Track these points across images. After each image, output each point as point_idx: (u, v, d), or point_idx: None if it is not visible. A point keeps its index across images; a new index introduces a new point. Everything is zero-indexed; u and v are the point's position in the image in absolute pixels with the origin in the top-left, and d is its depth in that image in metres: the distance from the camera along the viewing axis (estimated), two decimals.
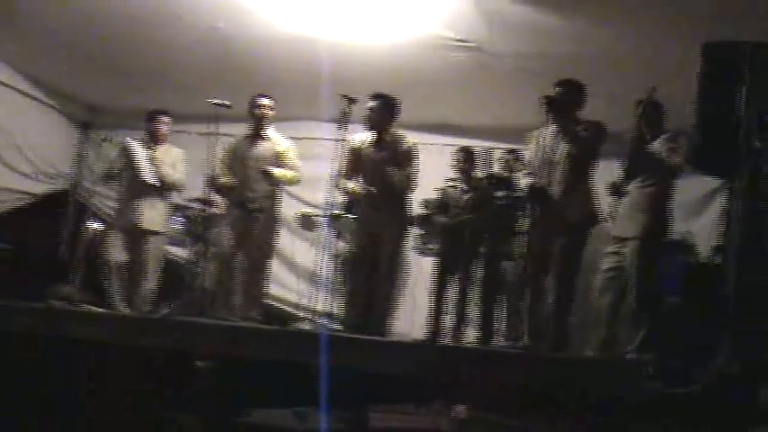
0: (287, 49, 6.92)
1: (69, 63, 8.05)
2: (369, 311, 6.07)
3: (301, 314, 7.44)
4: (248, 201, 6.56)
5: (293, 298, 8.04)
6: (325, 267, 6.41)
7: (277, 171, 6.57)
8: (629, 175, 5.59)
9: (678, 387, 3.81)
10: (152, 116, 7.13)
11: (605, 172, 6.44)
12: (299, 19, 6.45)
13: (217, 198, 6.87)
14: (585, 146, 5.42)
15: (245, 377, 4.84)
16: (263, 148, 6.68)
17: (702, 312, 4.91)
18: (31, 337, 5.18)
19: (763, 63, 3.73)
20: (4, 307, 5.40)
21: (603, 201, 5.70)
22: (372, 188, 6.08)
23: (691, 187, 6.93)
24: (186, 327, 5.36)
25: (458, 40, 6.49)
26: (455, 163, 6.53)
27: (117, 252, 6.90)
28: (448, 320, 6.40)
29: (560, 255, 5.41)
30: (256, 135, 6.72)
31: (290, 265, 8.30)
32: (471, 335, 6.65)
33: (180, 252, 7.87)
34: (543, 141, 5.44)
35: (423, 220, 6.97)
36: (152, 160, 6.96)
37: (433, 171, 6.63)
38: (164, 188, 7.05)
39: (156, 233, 6.99)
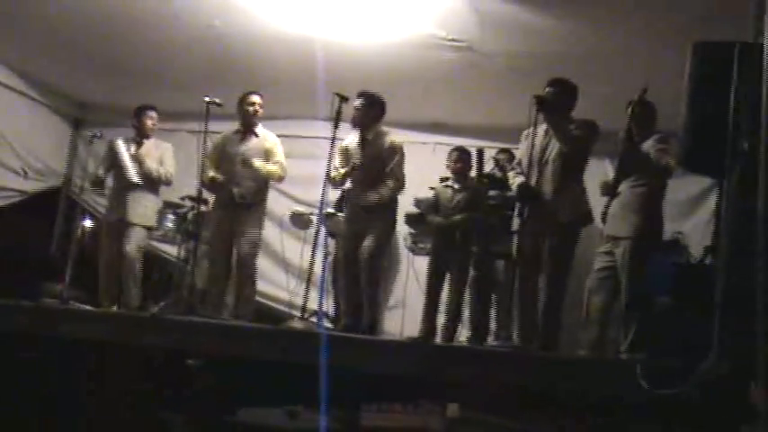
0: (282, 48, 6.92)
1: (62, 61, 8.04)
2: (359, 310, 6.08)
3: (294, 313, 7.44)
4: (236, 196, 6.55)
5: (285, 296, 8.03)
6: (318, 266, 6.42)
7: (257, 162, 6.56)
8: (621, 174, 5.60)
9: (668, 388, 3.82)
10: (139, 111, 7.16)
11: (598, 171, 6.47)
12: (295, 18, 6.45)
13: (207, 195, 6.86)
14: (577, 145, 5.42)
15: (235, 376, 4.83)
16: (251, 143, 6.68)
17: (693, 312, 4.91)
18: (25, 336, 5.17)
19: (752, 63, 3.73)
20: None
21: (596, 200, 5.71)
22: (359, 163, 6.08)
23: (682, 187, 6.94)
24: (178, 325, 5.35)
25: (450, 40, 6.50)
26: (449, 162, 6.53)
27: (107, 248, 6.92)
28: (441, 319, 6.40)
29: (551, 254, 5.41)
30: (246, 131, 6.72)
31: (283, 264, 8.29)
32: (464, 334, 6.67)
33: (171, 250, 7.87)
34: (534, 141, 5.44)
35: (415, 219, 6.97)
36: (137, 157, 6.97)
37: (426, 170, 6.64)
38: (150, 182, 7.05)
39: (141, 227, 6.99)
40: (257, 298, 7.13)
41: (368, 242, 6.06)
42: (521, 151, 5.74)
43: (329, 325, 6.54)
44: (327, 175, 5.99)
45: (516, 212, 5.55)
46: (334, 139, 5.98)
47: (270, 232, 8.14)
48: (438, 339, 6.25)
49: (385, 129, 6.30)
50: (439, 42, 6.56)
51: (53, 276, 7.44)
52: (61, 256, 8.33)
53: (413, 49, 6.68)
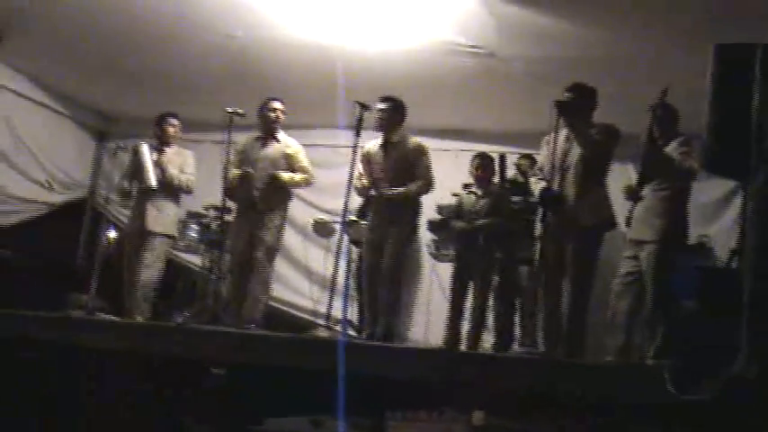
0: (302, 57, 6.94)
1: (85, 73, 8.12)
2: (378, 316, 6.07)
3: (318, 321, 7.45)
4: (259, 201, 6.57)
5: (309, 305, 8.05)
6: (341, 274, 6.42)
7: (285, 175, 6.57)
8: (645, 178, 5.56)
9: (695, 392, 3.78)
10: (161, 119, 7.18)
11: (621, 175, 6.43)
12: (315, 27, 6.48)
13: (231, 204, 6.88)
14: (598, 149, 5.39)
15: (260, 385, 4.84)
16: (272, 149, 6.67)
17: (720, 316, 4.87)
18: (51, 346, 5.20)
19: None
20: (23, 317, 5.43)
21: (620, 205, 5.67)
22: (384, 189, 6.09)
23: (707, 190, 6.90)
24: (202, 335, 5.37)
25: (470, 46, 6.50)
26: (472, 169, 6.52)
27: (129, 258, 6.95)
28: (465, 326, 6.39)
29: (574, 259, 5.37)
30: (267, 137, 6.73)
31: (306, 272, 8.30)
32: (489, 341, 6.64)
33: (195, 260, 7.90)
34: (555, 146, 5.41)
35: (437, 226, 6.95)
36: (159, 164, 6.99)
37: (447, 176, 6.62)
38: (171, 190, 7.06)
39: (162, 235, 7.01)
40: (281, 306, 7.14)
41: (388, 249, 6.06)
42: (542, 157, 5.71)
43: (353, 333, 6.53)
44: (350, 182, 5.99)
45: (539, 218, 5.52)
46: (355, 147, 5.98)
47: (293, 240, 8.18)
48: (462, 346, 6.23)
49: (407, 134, 6.32)
50: (459, 49, 6.56)
51: (79, 287, 7.49)
52: (87, 266, 8.39)
53: (433, 56, 6.68)
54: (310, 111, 7.63)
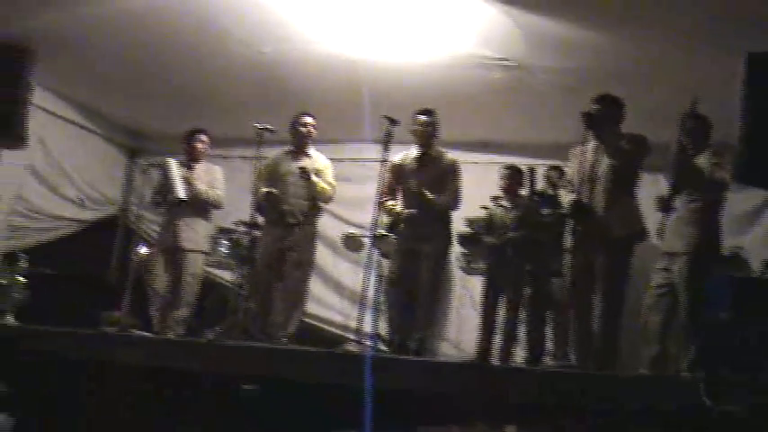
0: (330, 72, 6.98)
1: (117, 91, 8.20)
2: (413, 331, 6.05)
3: (348, 336, 7.44)
4: (288, 215, 6.58)
5: (339, 319, 8.05)
6: (371, 288, 6.41)
7: (314, 177, 6.61)
8: (676, 190, 5.51)
9: (730, 404, 3.74)
10: (190, 135, 7.23)
11: (652, 186, 6.38)
12: (342, 41, 6.51)
13: (261, 219, 6.91)
14: (627, 159, 5.35)
15: (290, 400, 4.84)
16: (303, 164, 6.70)
17: (755, 328, 4.81)
18: (86, 363, 5.23)
19: None
20: (56, 333, 5.47)
21: (652, 216, 5.63)
22: (414, 210, 6.08)
23: (740, 201, 6.83)
24: (233, 351, 5.38)
25: (497, 59, 6.50)
26: (501, 181, 6.50)
27: (161, 275, 6.99)
28: (497, 340, 6.35)
29: (605, 271, 5.33)
30: (298, 151, 6.76)
31: (336, 287, 8.32)
32: (521, 355, 6.60)
33: (226, 275, 7.93)
34: (584, 157, 5.38)
35: (467, 239, 6.93)
36: (187, 179, 7.03)
37: (476, 189, 6.61)
38: (201, 206, 7.09)
39: (195, 252, 7.04)
40: (311, 321, 7.15)
41: (427, 263, 6.05)
42: (571, 169, 5.69)
43: (384, 347, 6.52)
44: (379, 197, 5.99)
45: (570, 230, 5.49)
46: (384, 162, 5.98)
47: (323, 255, 8.19)
48: (494, 360, 6.19)
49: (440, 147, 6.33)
50: (485, 61, 6.56)
51: (111, 304, 7.54)
52: (119, 283, 8.45)
53: (460, 68, 6.69)
54: (338, 125, 7.65)
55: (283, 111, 6.83)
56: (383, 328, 6.96)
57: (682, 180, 5.45)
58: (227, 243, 7.52)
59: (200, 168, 7.18)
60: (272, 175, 6.74)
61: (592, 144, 5.42)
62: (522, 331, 6.48)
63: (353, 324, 6.39)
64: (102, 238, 9.29)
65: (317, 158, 6.79)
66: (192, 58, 7.06)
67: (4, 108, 6.72)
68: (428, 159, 6.25)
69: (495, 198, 6.68)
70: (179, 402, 4.99)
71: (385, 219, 6.67)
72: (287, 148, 6.84)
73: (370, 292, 6.41)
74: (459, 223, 6.97)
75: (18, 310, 6.28)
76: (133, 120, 9.29)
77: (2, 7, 6.32)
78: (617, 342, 5.32)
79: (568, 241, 5.50)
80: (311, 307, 7.26)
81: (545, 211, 6.47)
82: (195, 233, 7.06)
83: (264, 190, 6.59)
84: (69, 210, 8.78)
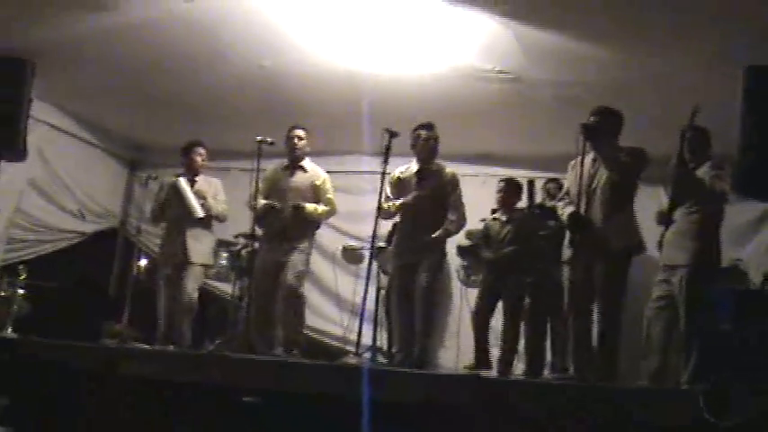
0: (330, 85, 6.99)
1: (116, 104, 8.21)
2: (412, 343, 6.05)
3: (348, 348, 7.44)
4: (285, 231, 6.60)
5: (338, 332, 8.05)
6: (369, 300, 6.42)
7: (309, 206, 6.60)
8: (676, 202, 5.52)
9: (730, 417, 3.74)
10: (188, 148, 7.24)
11: (651, 198, 6.40)
12: (342, 54, 6.52)
13: (259, 232, 6.92)
14: (625, 171, 5.36)
15: (290, 412, 4.83)
16: (300, 179, 6.73)
17: (754, 341, 4.81)
18: (87, 375, 5.23)
19: None
20: (57, 346, 5.47)
21: (652, 228, 5.64)
22: (416, 194, 6.08)
23: (739, 212, 6.82)
24: (233, 363, 5.38)
25: (496, 71, 6.52)
26: (497, 195, 6.52)
27: (166, 288, 6.99)
28: (495, 352, 6.35)
29: (603, 283, 5.33)
30: (293, 166, 6.78)
31: (335, 299, 8.31)
32: (520, 367, 6.60)
33: (225, 287, 7.93)
34: (582, 169, 5.40)
35: (466, 252, 6.94)
36: (197, 194, 7.05)
37: (475, 202, 6.61)
38: (208, 219, 7.11)
39: (200, 265, 7.06)
40: (311, 334, 7.15)
41: (422, 275, 6.06)
42: (568, 181, 5.70)
43: (383, 359, 6.52)
44: (378, 209, 6.00)
45: (567, 242, 5.50)
46: (384, 174, 5.99)
47: (322, 267, 8.21)
48: (494, 372, 6.20)
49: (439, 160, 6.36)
50: (485, 74, 6.58)
51: (111, 316, 7.55)
52: (119, 295, 8.46)
53: (459, 81, 6.71)
54: (337, 137, 7.68)
55: (283, 123, 6.85)
56: (382, 341, 6.98)
57: (681, 192, 5.46)
58: (227, 255, 7.53)
59: (201, 181, 7.19)
60: (270, 188, 6.75)
61: (590, 156, 5.43)
62: (521, 343, 6.49)
63: (353, 336, 6.38)
64: (102, 251, 9.29)
65: (314, 173, 6.79)
66: (191, 70, 7.08)
67: (3, 121, 6.75)
68: (428, 173, 6.26)
69: (494, 211, 6.70)
70: (179, 414, 4.99)
71: (384, 230, 6.68)
72: (284, 162, 6.85)
73: (369, 305, 6.42)
74: (459, 234, 6.97)
75: (18, 322, 6.29)
76: (133, 132, 9.31)
77: (2, 21, 6.34)
78: (616, 354, 5.32)
79: (567, 253, 5.51)
80: (311, 319, 7.25)
81: (545, 223, 6.49)
82: (202, 246, 7.09)
83: (263, 202, 6.60)
84: (69, 222, 8.79)
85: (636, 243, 5.42)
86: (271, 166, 6.88)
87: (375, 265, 6.69)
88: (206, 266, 7.17)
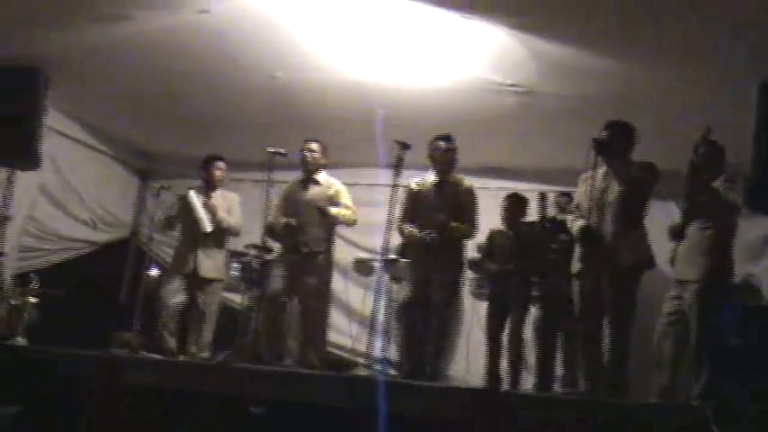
0: (342, 96, 7.02)
1: (129, 114, 8.27)
2: (424, 356, 6.04)
3: (358, 360, 7.43)
4: (302, 245, 6.59)
5: (349, 343, 8.04)
6: (381, 312, 6.41)
7: (333, 209, 6.61)
8: (689, 217, 5.50)
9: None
10: (207, 162, 7.27)
11: (663, 213, 6.38)
12: (354, 66, 6.55)
13: (273, 244, 6.92)
14: (636, 186, 5.35)
15: (298, 424, 4.83)
16: (315, 192, 6.74)
17: (765, 356, 4.79)
18: (97, 384, 5.24)
19: None
20: (67, 354, 5.48)
21: (663, 243, 5.61)
22: (433, 233, 6.07)
23: (752, 228, 6.78)
24: (242, 373, 5.38)
25: (507, 84, 6.53)
26: (502, 210, 6.53)
27: (174, 298, 7.00)
28: (506, 366, 6.33)
29: (613, 299, 5.30)
30: (308, 179, 6.79)
31: (346, 311, 8.31)
32: (529, 381, 6.57)
33: (237, 298, 7.94)
34: (594, 183, 5.38)
35: (476, 265, 6.93)
36: (209, 208, 7.07)
37: (486, 215, 6.60)
38: (221, 233, 7.13)
39: (215, 281, 7.08)
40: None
41: (440, 290, 6.04)
42: (578, 194, 5.68)
43: (393, 371, 6.50)
44: (389, 221, 5.99)
45: (577, 256, 5.48)
46: (395, 186, 5.98)
47: (334, 279, 8.18)
48: (505, 386, 6.18)
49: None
50: (496, 87, 6.59)
51: (122, 325, 7.55)
52: (129, 305, 8.46)
53: (471, 94, 6.73)
54: (349, 149, 7.68)
55: (295, 135, 6.86)
56: (393, 353, 6.96)
57: (694, 207, 5.44)
58: (239, 266, 7.54)
59: (217, 195, 7.21)
60: (286, 204, 6.76)
61: (602, 170, 5.42)
62: (531, 357, 6.47)
63: (363, 348, 6.37)
64: (114, 260, 9.32)
65: (328, 184, 6.80)
66: (203, 80, 7.11)
67: (17, 130, 6.79)
68: (446, 185, 6.26)
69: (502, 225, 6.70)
70: (187, 424, 4.99)
71: (396, 243, 6.68)
72: (299, 177, 6.87)
73: (381, 317, 6.41)
74: (469, 248, 6.96)
75: (29, 330, 6.30)
76: (145, 142, 9.35)
77: (17, 31, 6.39)
78: (626, 369, 5.29)
79: (576, 266, 5.49)
80: None
81: (555, 237, 6.47)
82: (214, 261, 7.12)
83: (283, 221, 6.60)
84: (81, 231, 8.83)
85: (646, 258, 5.40)
86: (285, 182, 6.90)
87: (386, 276, 6.68)
88: (220, 281, 7.18)
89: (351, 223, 6.85)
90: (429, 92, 6.82)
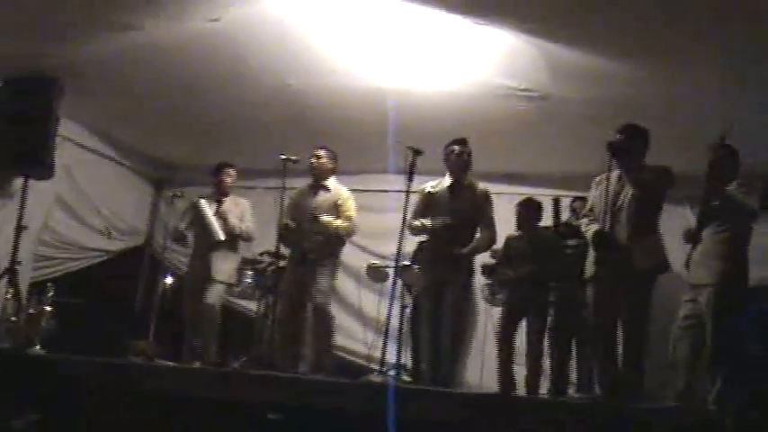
0: (355, 103, 7.04)
1: (143, 123, 8.30)
2: (437, 362, 6.03)
3: (372, 366, 7.43)
4: (308, 251, 6.61)
5: (363, 349, 8.04)
6: (394, 318, 6.41)
7: (325, 218, 6.61)
8: (704, 220, 5.48)
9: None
10: (218, 169, 7.32)
11: (677, 216, 6.36)
12: (366, 72, 6.56)
13: (285, 250, 6.94)
14: (651, 190, 5.33)
15: (314, 430, 4.83)
16: (322, 198, 6.77)
17: None
18: (113, 391, 5.26)
19: None
20: (84, 363, 5.50)
21: (678, 247, 5.60)
22: (447, 219, 6.06)
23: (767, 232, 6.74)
24: (258, 380, 5.39)
25: (522, 90, 6.52)
26: (516, 214, 6.51)
27: (191, 306, 7.04)
28: (520, 371, 6.31)
29: (628, 303, 5.29)
30: (316, 186, 6.81)
31: (359, 317, 8.32)
32: (544, 386, 6.55)
33: (250, 305, 7.96)
34: (608, 187, 5.37)
35: (490, 271, 6.92)
36: (220, 214, 7.10)
37: (501, 221, 6.59)
38: (233, 239, 7.16)
39: (222, 283, 7.15)
40: (335, 351, 7.14)
41: (452, 294, 6.04)
42: (592, 198, 5.67)
43: (407, 378, 6.50)
44: (403, 227, 5.99)
45: (592, 260, 5.46)
46: (408, 192, 5.98)
47: (347, 286, 8.21)
48: (520, 391, 6.16)
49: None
50: (510, 92, 6.59)
51: (138, 334, 7.58)
52: (145, 313, 8.49)
53: (484, 99, 6.73)
54: (362, 156, 7.69)
55: (308, 142, 6.89)
56: (406, 359, 6.95)
57: (711, 211, 5.43)
58: (252, 273, 7.56)
59: (229, 201, 7.26)
60: (294, 209, 6.79)
61: (615, 174, 5.41)
62: (546, 362, 6.45)
63: (377, 354, 6.37)
64: (129, 268, 9.35)
65: (337, 192, 6.81)
66: (217, 88, 7.13)
67: (32, 139, 6.85)
68: (460, 189, 6.26)
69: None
70: (204, 430, 5.00)
71: (409, 248, 6.67)
72: (309, 182, 6.90)
73: (394, 323, 6.41)
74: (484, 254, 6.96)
75: (46, 339, 6.33)
76: (159, 151, 9.39)
77: (31, 41, 6.44)
78: (642, 373, 5.27)
79: (590, 271, 5.47)
80: (335, 337, 7.24)
81: (570, 242, 6.45)
82: (226, 265, 7.18)
83: (284, 222, 6.63)
84: (96, 240, 8.87)
85: (661, 262, 5.38)
86: (297, 183, 6.92)
87: (399, 283, 6.68)
88: (228, 285, 7.20)
89: (345, 235, 6.84)
90: (442, 98, 6.82)
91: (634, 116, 5.58)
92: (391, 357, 6.26)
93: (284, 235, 6.65)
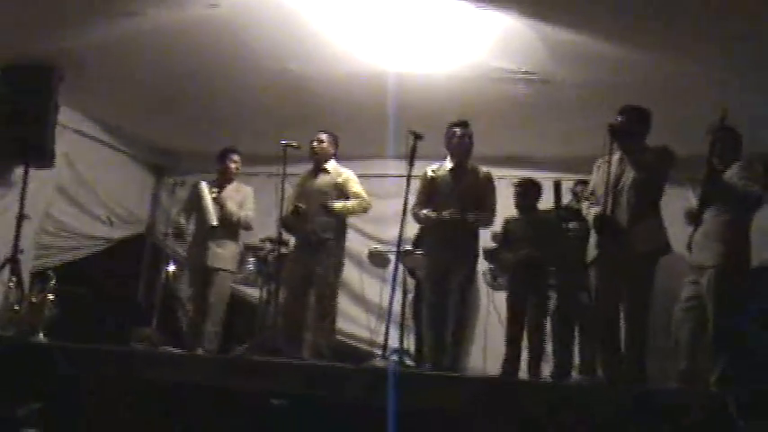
0: (355, 87, 7.02)
1: (142, 110, 8.28)
2: (440, 346, 6.03)
3: (375, 351, 7.44)
4: (311, 233, 6.61)
5: (365, 335, 8.06)
6: (396, 304, 6.41)
7: (338, 204, 6.62)
8: (705, 203, 5.47)
9: (758, 419, 3.71)
10: (222, 154, 7.30)
11: (679, 198, 6.35)
12: (367, 56, 6.55)
13: (288, 237, 6.94)
14: (651, 171, 5.31)
15: (318, 415, 4.84)
16: (323, 181, 6.77)
17: None
18: (116, 379, 5.27)
19: None
20: (86, 350, 5.52)
21: (679, 228, 5.59)
22: (453, 211, 6.05)
23: None
24: (261, 366, 5.40)
25: (523, 72, 6.50)
26: (514, 197, 6.50)
27: (191, 293, 7.04)
28: (523, 355, 6.32)
29: (630, 286, 5.29)
30: (317, 169, 6.81)
31: (362, 302, 8.33)
32: (547, 370, 6.56)
33: (252, 292, 7.97)
34: (609, 169, 5.36)
35: (491, 255, 6.94)
36: (218, 200, 7.09)
37: (502, 204, 6.58)
38: (231, 226, 7.15)
39: (223, 271, 7.11)
40: (338, 337, 7.15)
41: (456, 281, 6.04)
42: (593, 181, 5.65)
43: (410, 362, 6.51)
44: (405, 212, 5.98)
45: (593, 243, 5.46)
46: (409, 177, 5.96)
47: (349, 271, 8.19)
48: (522, 375, 6.17)
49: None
50: (510, 75, 6.57)
51: (140, 321, 7.60)
52: (147, 301, 8.51)
53: (485, 82, 6.71)
54: (363, 141, 7.68)
55: (308, 127, 6.88)
56: (409, 344, 6.97)
57: (711, 193, 5.41)
58: (254, 260, 7.56)
59: (231, 188, 7.25)
60: (299, 194, 6.79)
61: (616, 156, 5.39)
62: (548, 346, 6.46)
63: (380, 340, 6.38)
64: (130, 256, 9.36)
65: (336, 173, 6.80)
66: (217, 75, 7.12)
67: (31, 128, 6.84)
68: (463, 172, 6.24)
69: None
70: (205, 417, 5.01)
71: (411, 233, 6.67)
72: (311, 166, 6.89)
73: (396, 308, 6.41)
74: (485, 237, 6.95)
75: (48, 327, 6.34)
76: (159, 138, 9.37)
77: (30, 28, 6.42)
78: (644, 356, 5.27)
79: (592, 254, 5.46)
80: (338, 323, 7.25)
81: (571, 224, 6.45)
82: (224, 253, 7.15)
83: (292, 205, 6.63)
84: (97, 228, 8.86)
85: (662, 244, 5.36)
86: (298, 175, 6.92)
87: (401, 268, 6.68)
88: (229, 272, 7.21)
89: (362, 211, 6.84)
90: (442, 82, 6.80)
91: (633, 98, 5.56)
92: (394, 342, 6.27)
93: (291, 220, 6.63)
